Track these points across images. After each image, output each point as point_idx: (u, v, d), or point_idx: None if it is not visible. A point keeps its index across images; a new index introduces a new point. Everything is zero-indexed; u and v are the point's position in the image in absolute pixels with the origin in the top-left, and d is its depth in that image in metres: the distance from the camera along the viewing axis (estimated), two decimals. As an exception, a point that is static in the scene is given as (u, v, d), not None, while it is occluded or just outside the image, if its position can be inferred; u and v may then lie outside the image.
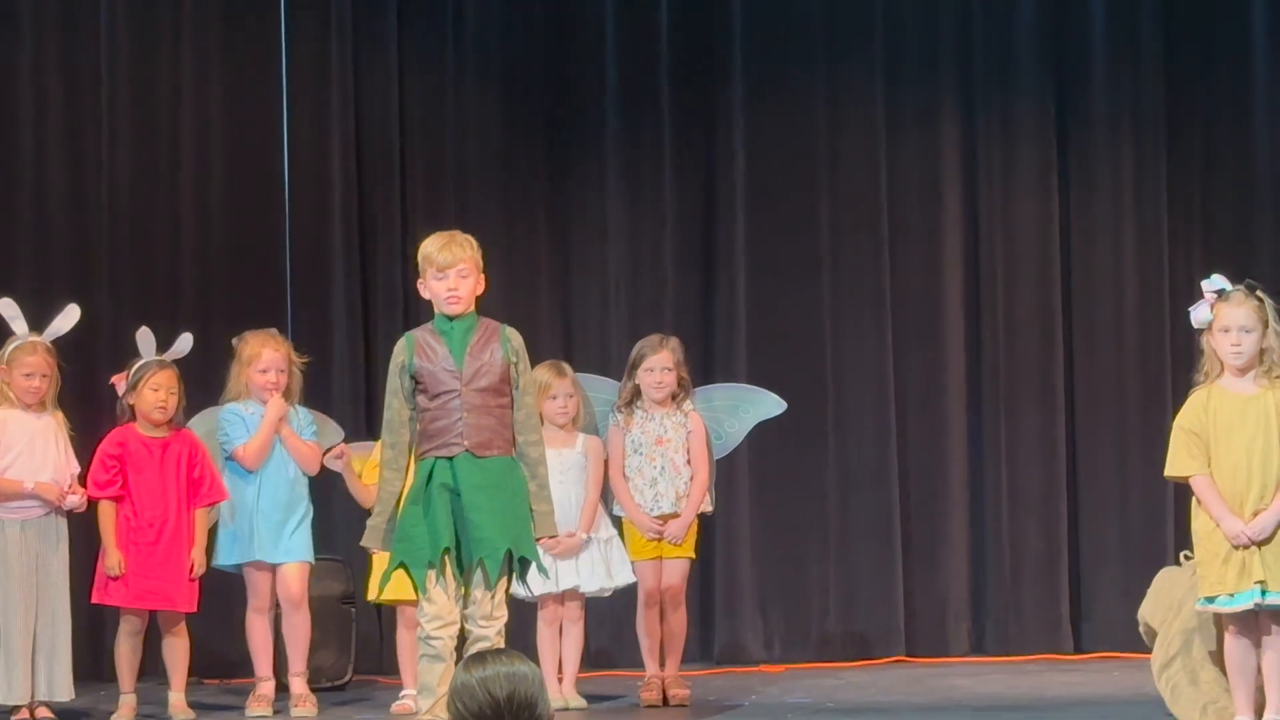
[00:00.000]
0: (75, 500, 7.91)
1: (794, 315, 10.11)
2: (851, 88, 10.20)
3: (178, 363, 8.09)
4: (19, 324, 8.00)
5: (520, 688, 3.54)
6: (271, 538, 8.13)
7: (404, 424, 6.76)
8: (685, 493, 8.17)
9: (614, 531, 8.22)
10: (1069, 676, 9.12)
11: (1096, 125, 10.25)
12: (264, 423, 8.14)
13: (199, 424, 8.27)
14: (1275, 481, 6.79)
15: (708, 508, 8.32)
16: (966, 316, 10.20)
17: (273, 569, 8.16)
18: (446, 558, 6.62)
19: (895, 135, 10.20)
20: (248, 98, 9.77)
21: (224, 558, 8.18)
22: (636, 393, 8.23)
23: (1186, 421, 6.93)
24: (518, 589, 7.11)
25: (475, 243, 6.85)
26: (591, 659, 8.93)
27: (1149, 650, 7.35)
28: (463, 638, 6.74)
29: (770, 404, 8.49)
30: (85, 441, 8.09)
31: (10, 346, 7.96)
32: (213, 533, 8.16)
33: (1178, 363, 9.92)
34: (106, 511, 7.99)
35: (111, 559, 7.95)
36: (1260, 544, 6.74)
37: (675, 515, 8.14)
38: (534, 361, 7.64)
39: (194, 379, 8.32)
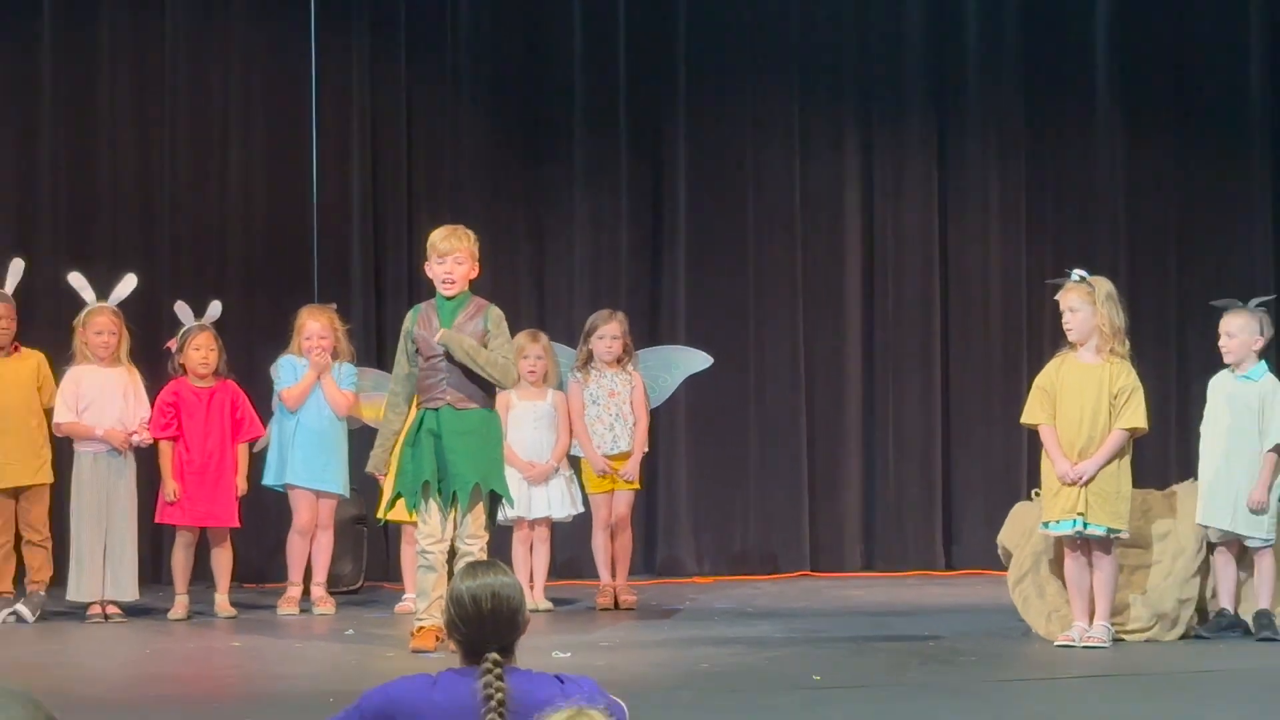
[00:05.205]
0: (139, 439, 7.93)
1: (725, 298, 10.15)
2: (772, 114, 10.20)
3: (218, 325, 8.03)
4: (87, 293, 8.10)
5: (503, 594, 3.48)
6: (306, 466, 8.23)
7: (406, 377, 6.83)
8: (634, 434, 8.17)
9: (574, 470, 8.22)
10: (942, 589, 9.22)
11: (970, 147, 10.31)
12: (305, 374, 8.13)
13: None
14: (1101, 437, 6.85)
15: (645, 448, 8.34)
16: (863, 301, 10.25)
17: (309, 493, 8.13)
18: (428, 487, 6.63)
19: (807, 154, 10.24)
20: (284, 112, 9.71)
21: (268, 478, 8.28)
22: (590, 356, 8.23)
23: (1041, 380, 7.06)
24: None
25: (473, 235, 6.83)
26: (559, 569, 8.91)
27: (1006, 569, 7.39)
28: (454, 552, 6.71)
29: (698, 360, 8.56)
30: (151, 392, 8.10)
31: (83, 312, 8.00)
32: (264, 456, 8.27)
33: (1031, 339, 10.01)
34: (165, 449, 8.12)
35: (168, 488, 8.04)
36: (1086, 485, 6.75)
37: (629, 453, 8.18)
38: (516, 329, 7.57)
39: (236, 343, 8.38)
